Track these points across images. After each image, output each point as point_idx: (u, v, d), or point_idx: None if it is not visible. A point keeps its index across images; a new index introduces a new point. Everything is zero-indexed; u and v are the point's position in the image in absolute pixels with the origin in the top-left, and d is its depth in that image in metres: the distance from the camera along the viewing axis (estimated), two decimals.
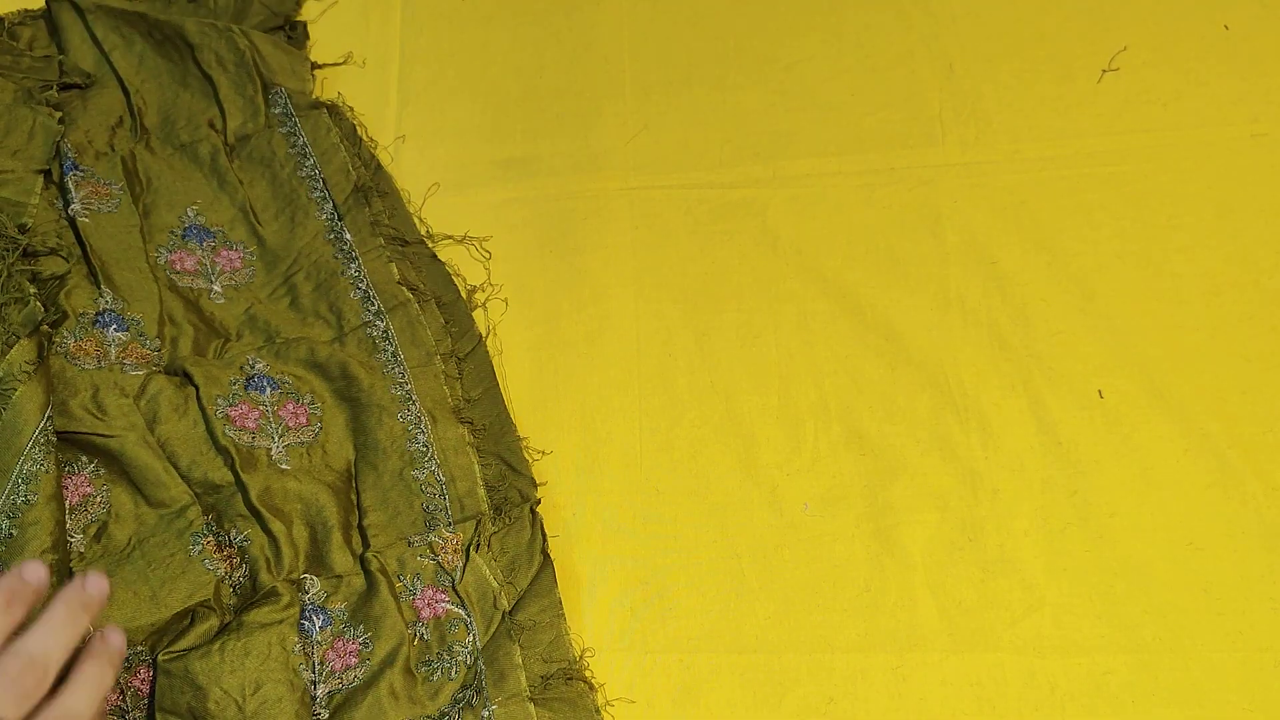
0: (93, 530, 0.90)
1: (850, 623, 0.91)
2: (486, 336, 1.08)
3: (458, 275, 1.12)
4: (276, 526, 0.91)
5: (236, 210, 1.15)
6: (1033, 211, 1.06)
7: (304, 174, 1.17)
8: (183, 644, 0.84)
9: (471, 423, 1.02)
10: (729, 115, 1.17)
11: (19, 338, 0.92)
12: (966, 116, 1.12)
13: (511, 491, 0.98)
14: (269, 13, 1.31)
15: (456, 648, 0.89)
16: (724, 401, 1.02)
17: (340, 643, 0.87)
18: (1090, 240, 1.04)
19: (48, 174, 1.11)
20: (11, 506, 0.85)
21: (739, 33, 1.22)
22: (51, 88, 1.17)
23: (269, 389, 1.01)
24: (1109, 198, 1.05)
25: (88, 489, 0.91)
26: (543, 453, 1.02)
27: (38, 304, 0.96)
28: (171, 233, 1.12)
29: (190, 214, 1.14)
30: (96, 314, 1.01)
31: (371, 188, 1.16)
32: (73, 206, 1.08)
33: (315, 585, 0.89)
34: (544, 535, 0.95)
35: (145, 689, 0.84)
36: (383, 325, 1.07)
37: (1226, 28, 1.11)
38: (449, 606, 0.90)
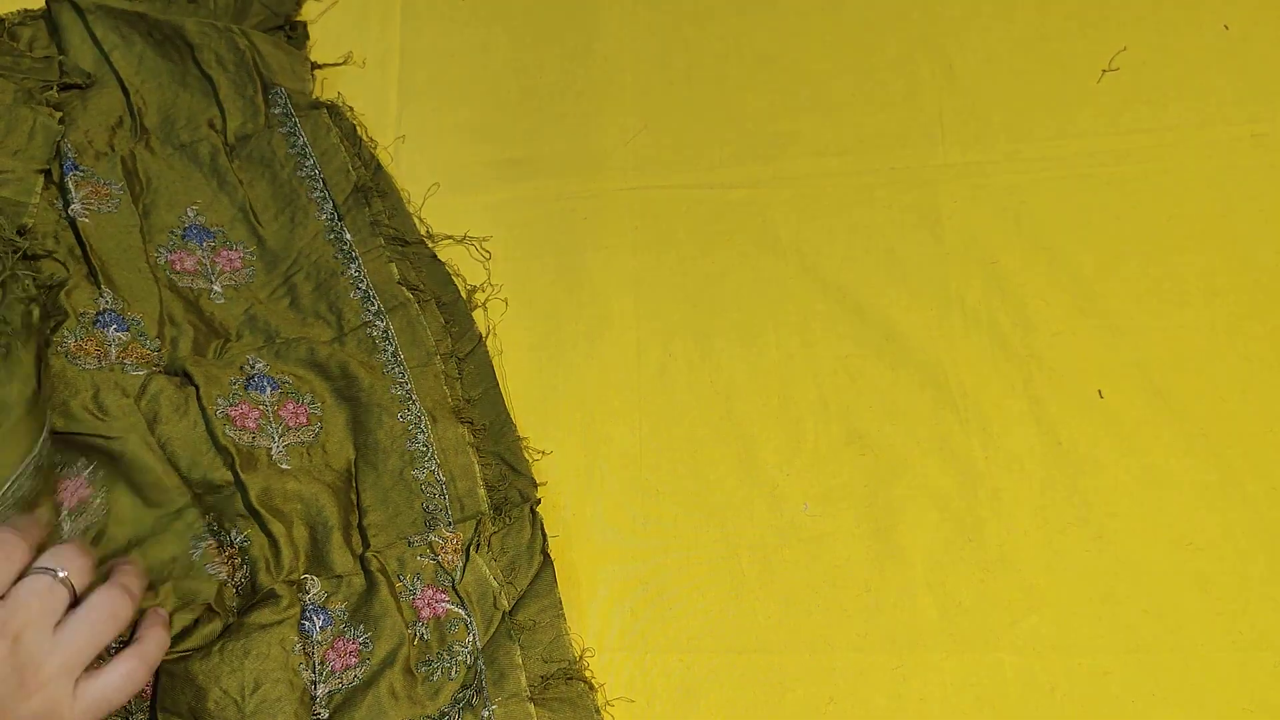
0: (91, 535, 0.90)
1: (850, 623, 0.91)
2: (486, 336, 1.08)
3: (458, 275, 1.12)
4: (276, 528, 0.91)
5: (236, 210, 1.16)
6: (1033, 211, 1.06)
7: (304, 174, 1.17)
8: (187, 644, 0.84)
9: (471, 422, 1.02)
10: (729, 115, 1.17)
11: (19, 341, 0.92)
12: (966, 116, 1.12)
13: (511, 491, 0.98)
14: (269, 13, 1.31)
15: (456, 647, 0.89)
16: (724, 401, 1.02)
17: (340, 643, 0.87)
18: (1090, 240, 1.04)
19: (48, 174, 1.11)
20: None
21: (739, 33, 1.22)
22: (52, 88, 1.17)
23: (269, 389, 1.00)
24: (1109, 198, 1.05)
25: (85, 491, 0.91)
26: (543, 453, 1.02)
27: (38, 307, 0.96)
28: (171, 233, 1.12)
29: (190, 214, 1.14)
30: (97, 314, 1.01)
31: (371, 188, 1.16)
32: (73, 207, 1.08)
33: (316, 585, 0.89)
34: (544, 535, 0.95)
35: (149, 690, 0.84)
36: (383, 325, 1.07)
37: (1226, 28, 1.11)
38: (449, 606, 0.90)
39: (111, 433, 0.94)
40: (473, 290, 1.11)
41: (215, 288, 1.10)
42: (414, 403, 1.01)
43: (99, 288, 1.02)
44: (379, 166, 1.19)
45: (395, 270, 1.11)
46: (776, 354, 1.04)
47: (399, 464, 0.98)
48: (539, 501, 0.97)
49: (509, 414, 1.03)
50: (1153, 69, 1.11)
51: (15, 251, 1.00)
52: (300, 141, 1.19)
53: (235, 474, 0.94)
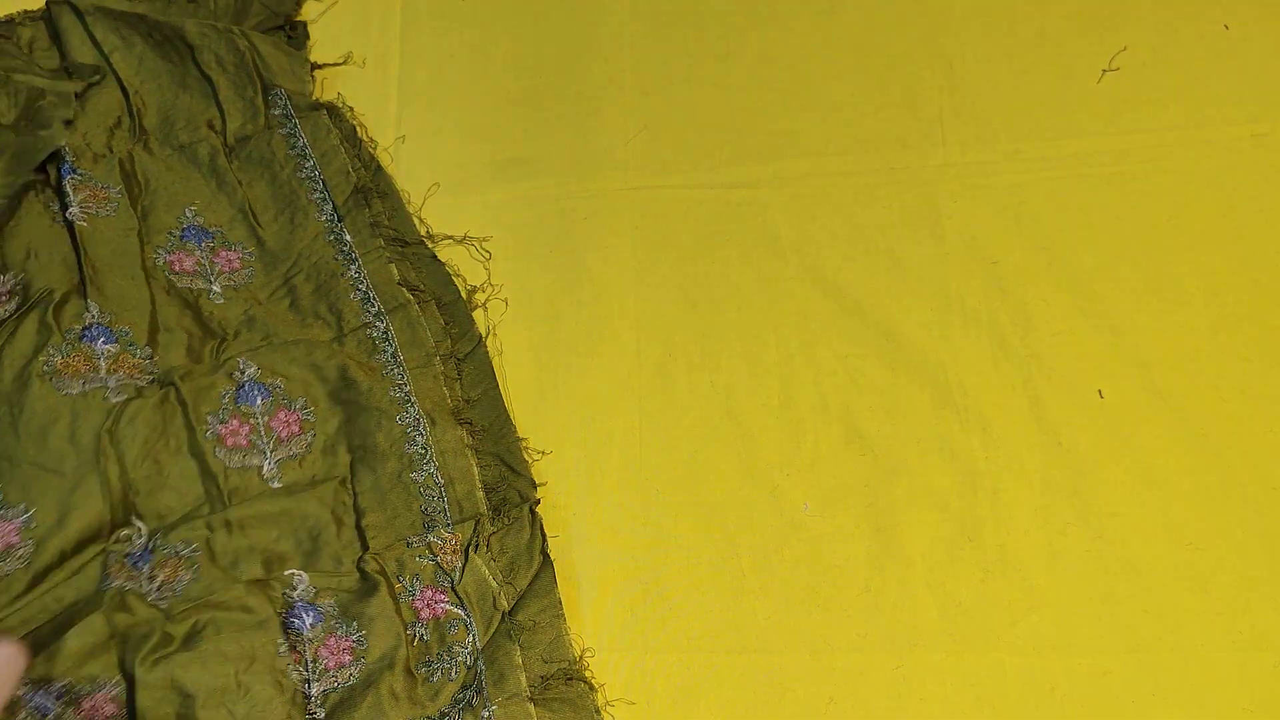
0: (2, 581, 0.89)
1: (850, 623, 0.91)
2: (486, 337, 1.08)
3: (458, 276, 1.12)
4: (242, 542, 0.92)
5: (235, 210, 1.16)
6: (1033, 211, 1.06)
7: (304, 175, 1.17)
8: (147, 653, 0.84)
9: (470, 423, 1.02)
10: (729, 115, 1.17)
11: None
12: (966, 116, 1.12)
13: (511, 493, 0.98)
14: (269, 13, 1.31)
15: (456, 648, 0.89)
16: (724, 401, 1.02)
17: (333, 640, 0.87)
18: (1090, 240, 1.03)
19: (45, 177, 1.12)
20: None
21: (739, 33, 1.22)
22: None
23: (260, 398, 1.00)
24: (1109, 198, 1.05)
25: (14, 539, 0.91)
26: (543, 453, 1.02)
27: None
28: (170, 234, 1.12)
29: (189, 214, 1.14)
30: (84, 328, 1.01)
31: (371, 189, 1.16)
32: (70, 210, 1.08)
33: (304, 581, 0.89)
34: (544, 536, 0.95)
35: (102, 713, 0.83)
36: (383, 326, 1.07)
37: (1226, 28, 1.11)
38: (448, 607, 0.91)
39: (65, 471, 0.93)
40: (473, 290, 1.12)
41: (214, 288, 1.10)
42: (413, 405, 1.01)
43: (86, 300, 1.02)
44: (379, 167, 1.19)
45: (395, 271, 1.11)
46: (776, 354, 1.04)
47: (398, 466, 0.98)
48: (538, 502, 0.97)
49: (508, 415, 1.03)
50: (1153, 69, 1.11)
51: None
52: (300, 143, 1.20)
53: (213, 501, 0.95)
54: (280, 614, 0.87)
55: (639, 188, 1.15)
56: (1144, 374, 0.97)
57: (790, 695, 0.89)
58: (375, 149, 1.21)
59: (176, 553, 0.91)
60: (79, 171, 1.12)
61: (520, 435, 1.02)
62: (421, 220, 1.17)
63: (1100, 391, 0.97)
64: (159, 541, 0.91)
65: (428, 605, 0.90)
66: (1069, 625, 0.88)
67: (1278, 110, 1.06)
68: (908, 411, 0.99)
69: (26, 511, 0.92)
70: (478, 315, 1.10)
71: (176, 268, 1.10)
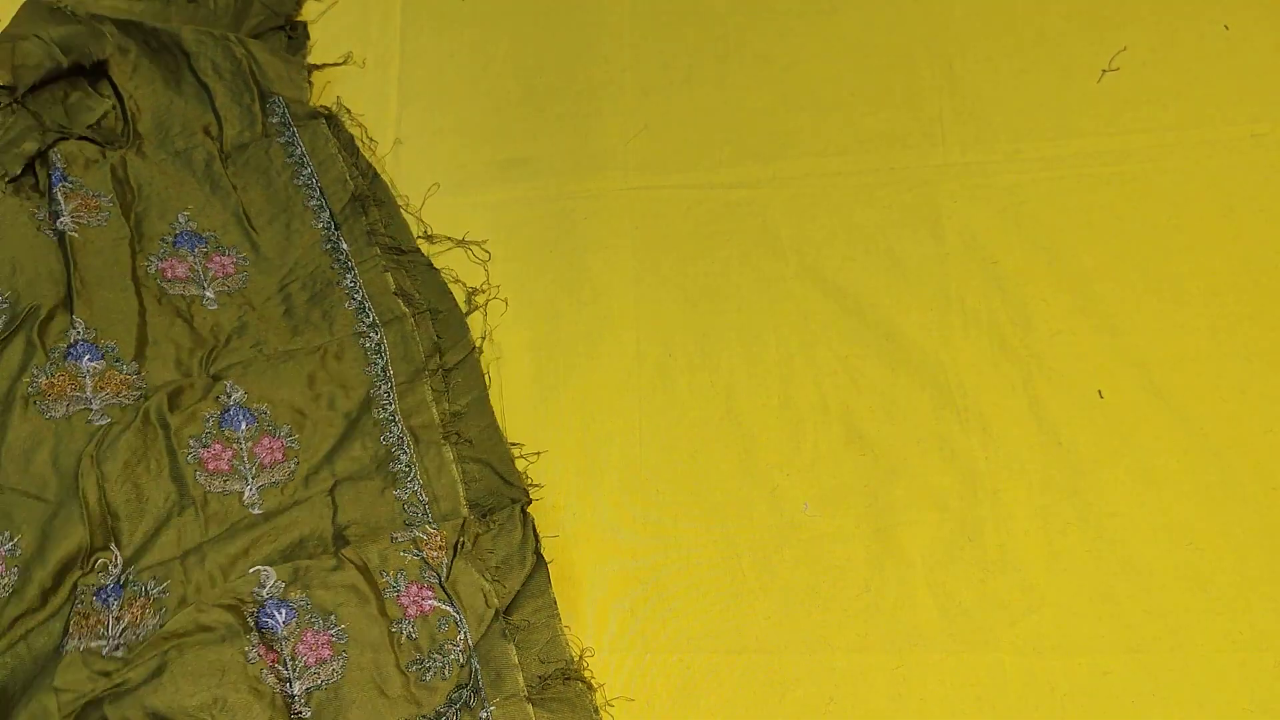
0: None
1: (850, 623, 0.91)
2: (484, 340, 1.08)
3: (456, 281, 1.12)
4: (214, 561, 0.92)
5: (230, 215, 1.15)
6: (1033, 211, 1.06)
7: (300, 182, 1.17)
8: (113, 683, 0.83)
9: (458, 435, 1.02)
10: (729, 115, 1.17)
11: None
12: (966, 116, 1.12)
13: (502, 501, 0.97)
14: (269, 13, 1.31)
15: (448, 646, 0.89)
16: (724, 401, 1.02)
17: (309, 635, 0.87)
18: (1090, 240, 1.03)
19: (35, 182, 1.12)
20: None
21: (739, 33, 1.22)
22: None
23: (244, 423, 1.00)
24: (1109, 198, 1.05)
25: None
26: (538, 453, 1.02)
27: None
28: (163, 240, 1.12)
29: (182, 220, 1.14)
30: (68, 346, 1.00)
31: (368, 196, 1.16)
32: (61, 219, 1.08)
33: (271, 578, 0.89)
34: (536, 536, 0.95)
35: None
36: (376, 338, 1.07)
37: (1226, 28, 1.11)
38: (436, 603, 0.90)
39: (48, 498, 0.93)
40: (472, 292, 1.11)
41: (208, 294, 1.10)
42: (397, 424, 1.01)
43: (72, 315, 1.02)
44: (376, 175, 1.19)
45: (391, 280, 1.10)
46: (776, 354, 1.04)
47: (381, 484, 0.98)
48: (529, 502, 0.97)
49: (497, 423, 1.03)
50: (1153, 69, 1.11)
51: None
52: (299, 151, 1.19)
53: (186, 521, 0.94)
54: (251, 614, 0.87)
55: (639, 188, 1.15)
56: (1144, 374, 0.97)
57: (790, 695, 0.89)
58: (375, 148, 1.22)
59: (146, 591, 0.90)
60: (70, 179, 1.11)
61: (517, 438, 1.02)
62: (421, 221, 1.17)
63: (1100, 391, 0.97)
64: (132, 575, 0.91)
65: (414, 602, 0.90)
66: (1069, 625, 0.88)
67: (1278, 110, 1.06)
68: (908, 411, 0.99)
69: (11, 539, 0.92)
70: (476, 317, 1.10)
71: (169, 275, 1.10)
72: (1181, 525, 0.91)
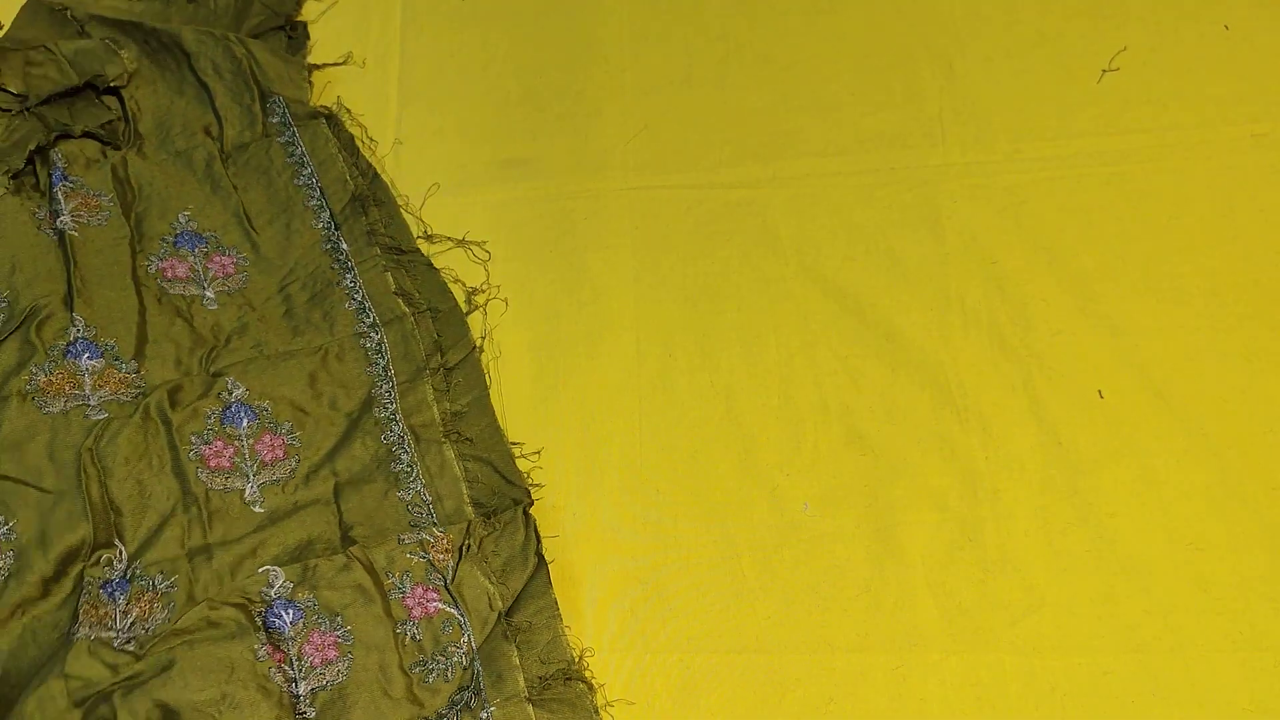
0: None
1: (850, 623, 0.91)
2: (485, 339, 1.08)
3: (456, 281, 1.12)
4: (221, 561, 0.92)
5: (230, 215, 1.15)
6: (1033, 211, 1.06)
7: (300, 182, 1.17)
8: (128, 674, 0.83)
9: (459, 434, 1.02)
10: (729, 115, 1.17)
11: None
12: (966, 116, 1.12)
13: (504, 501, 0.97)
14: (270, 13, 1.31)
15: (451, 648, 0.89)
16: (724, 401, 1.02)
17: (316, 636, 0.87)
18: (1090, 240, 1.03)
19: (36, 181, 1.12)
20: None
21: (739, 33, 1.22)
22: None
23: (246, 420, 1.00)
24: (1109, 198, 1.05)
25: None
26: (538, 452, 1.02)
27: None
28: (163, 240, 1.12)
29: (182, 220, 1.14)
30: (68, 345, 1.00)
31: (368, 196, 1.16)
32: (61, 219, 1.08)
33: (280, 578, 0.89)
34: (538, 537, 0.95)
35: None
36: (377, 338, 1.07)
37: (1226, 28, 1.11)
38: (441, 606, 0.90)
39: (45, 486, 0.93)
40: (472, 291, 1.12)
41: (208, 294, 1.10)
42: (398, 424, 1.01)
43: (72, 313, 1.02)
44: (376, 175, 1.19)
45: (391, 280, 1.10)
46: (776, 354, 1.04)
47: (384, 486, 0.98)
48: (532, 503, 0.97)
49: (498, 423, 1.03)
50: (1153, 69, 1.11)
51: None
52: (299, 151, 1.19)
53: (190, 520, 0.94)
54: (259, 614, 0.87)
55: (639, 188, 1.15)
56: (1144, 374, 0.97)
57: (790, 695, 0.89)
58: (375, 148, 1.22)
59: (154, 586, 0.90)
60: (71, 179, 1.11)
61: (517, 438, 1.02)
62: (421, 221, 1.17)
63: (1100, 391, 0.97)
64: (139, 569, 0.91)
65: (419, 604, 0.90)
66: (1069, 625, 0.88)
67: (1278, 110, 1.06)
68: (908, 411, 0.99)
69: (7, 524, 0.92)
70: (476, 317, 1.10)
71: (169, 274, 1.10)
72: (1181, 525, 0.91)
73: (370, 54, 1.29)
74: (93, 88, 1.20)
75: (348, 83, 1.28)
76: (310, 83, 1.27)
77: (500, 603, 0.91)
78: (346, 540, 0.94)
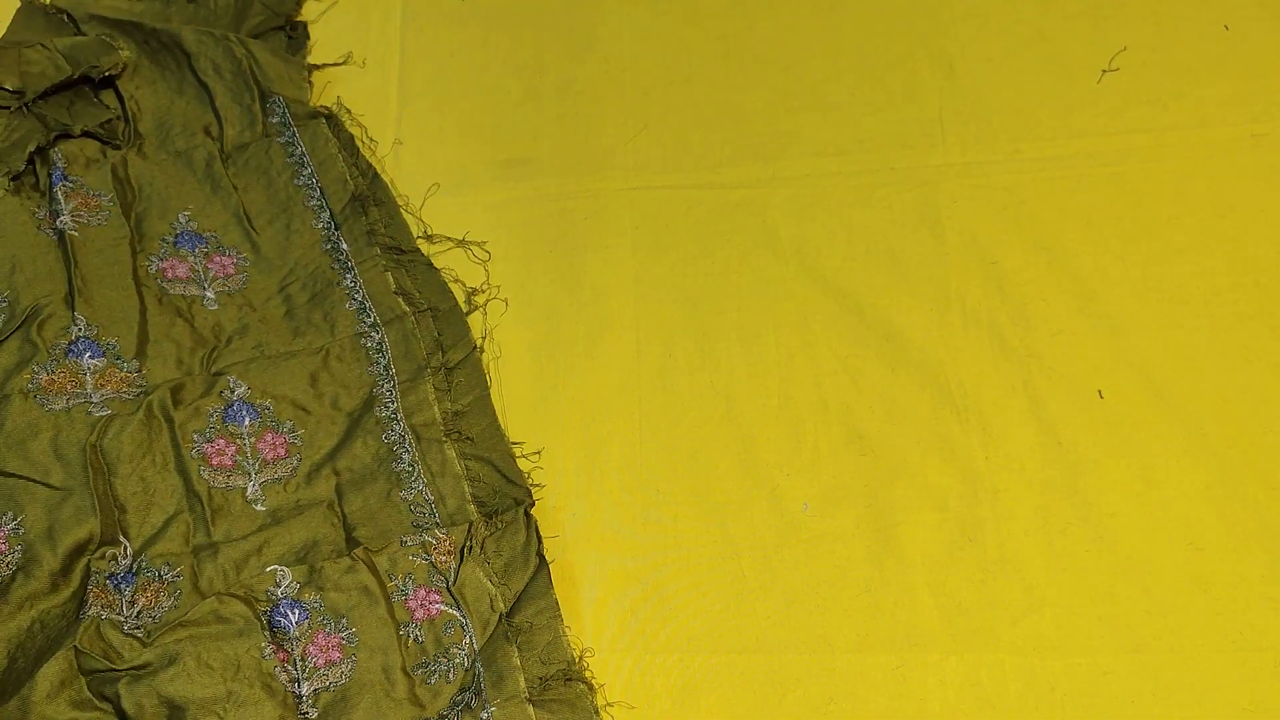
0: None
1: (850, 623, 0.91)
2: (485, 340, 1.08)
3: (455, 281, 1.12)
4: (228, 556, 0.92)
5: (230, 215, 1.15)
6: (1033, 211, 1.06)
7: (300, 182, 1.17)
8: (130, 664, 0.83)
9: (459, 433, 1.02)
10: (729, 115, 1.17)
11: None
12: (966, 116, 1.12)
13: (505, 500, 0.98)
14: (270, 13, 1.31)
15: (453, 650, 0.89)
16: (724, 401, 1.02)
17: (321, 637, 0.87)
18: (1090, 240, 1.03)
19: (35, 181, 1.12)
20: None
21: (739, 33, 1.22)
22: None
23: (248, 418, 1.00)
24: (1109, 198, 1.05)
25: (1, 546, 0.90)
26: (538, 452, 1.02)
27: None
28: (163, 240, 1.12)
29: (182, 220, 1.14)
30: (69, 344, 1.00)
31: (368, 196, 1.16)
32: (61, 219, 1.08)
33: (287, 578, 0.89)
34: (539, 538, 0.95)
35: None
36: (378, 337, 1.07)
37: (1226, 28, 1.11)
38: (443, 608, 0.90)
39: (52, 482, 0.93)
40: (472, 292, 1.11)
41: (208, 294, 1.10)
42: (399, 423, 1.01)
43: (74, 312, 1.02)
44: (375, 175, 1.19)
45: (391, 280, 1.10)
46: (776, 354, 1.04)
47: (386, 486, 0.98)
48: (533, 504, 0.97)
49: (499, 422, 1.03)
50: (1153, 69, 1.11)
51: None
52: (299, 151, 1.19)
53: (194, 519, 0.94)
54: (265, 613, 0.87)
55: (639, 188, 1.15)
56: (1144, 374, 0.97)
57: (790, 695, 0.89)
58: (375, 148, 1.22)
59: (160, 576, 0.90)
60: (70, 178, 1.11)
61: (518, 438, 1.02)
62: (421, 221, 1.17)
63: (1100, 391, 0.97)
64: (144, 562, 0.91)
65: (421, 606, 0.90)
66: (1069, 625, 0.88)
67: (1278, 110, 1.06)
68: (908, 411, 0.99)
69: (15, 519, 0.92)
70: (476, 317, 1.10)
71: (169, 275, 1.10)
72: (1181, 525, 0.91)
73: (370, 54, 1.29)
74: (89, 81, 1.20)
75: (348, 83, 1.28)
76: (310, 83, 1.27)
77: (502, 604, 0.91)
78: (351, 542, 0.94)
